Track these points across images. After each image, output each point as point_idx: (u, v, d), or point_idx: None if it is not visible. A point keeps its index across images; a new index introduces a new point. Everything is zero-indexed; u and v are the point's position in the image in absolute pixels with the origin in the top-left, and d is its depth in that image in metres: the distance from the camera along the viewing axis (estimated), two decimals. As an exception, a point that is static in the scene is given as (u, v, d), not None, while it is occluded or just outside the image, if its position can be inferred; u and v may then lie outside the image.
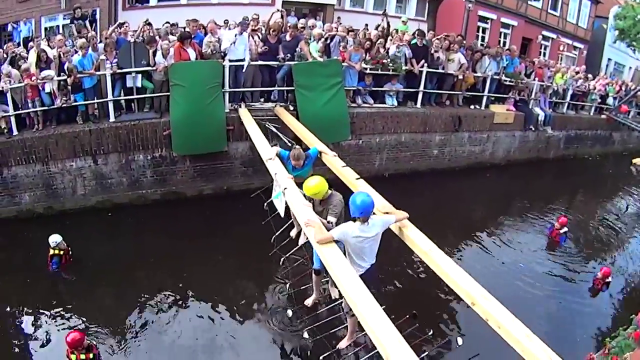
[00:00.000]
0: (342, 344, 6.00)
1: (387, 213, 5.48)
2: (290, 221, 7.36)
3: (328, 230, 5.09)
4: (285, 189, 6.05)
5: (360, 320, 4.15)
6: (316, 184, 5.53)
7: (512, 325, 4.01)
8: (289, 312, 6.65)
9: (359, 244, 4.96)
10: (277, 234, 7.31)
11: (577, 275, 8.69)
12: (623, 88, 18.15)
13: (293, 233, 7.58)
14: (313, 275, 6.55)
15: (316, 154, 6.93)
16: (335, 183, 6.01)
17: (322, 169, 7.07)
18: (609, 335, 5.99)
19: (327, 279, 6.87)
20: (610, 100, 17.18)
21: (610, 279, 8.10)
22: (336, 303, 6.49)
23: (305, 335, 6.17)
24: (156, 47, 9.39)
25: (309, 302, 6.80)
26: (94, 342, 5.77)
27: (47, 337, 6.20)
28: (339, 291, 6.77)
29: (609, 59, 25.71)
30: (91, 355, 5.46)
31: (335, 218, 5.48)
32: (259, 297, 7.18)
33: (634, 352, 2.69)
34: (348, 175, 6.80)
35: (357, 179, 6.62)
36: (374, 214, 5.04)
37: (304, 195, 5.80)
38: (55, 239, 7.36)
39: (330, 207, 5.57)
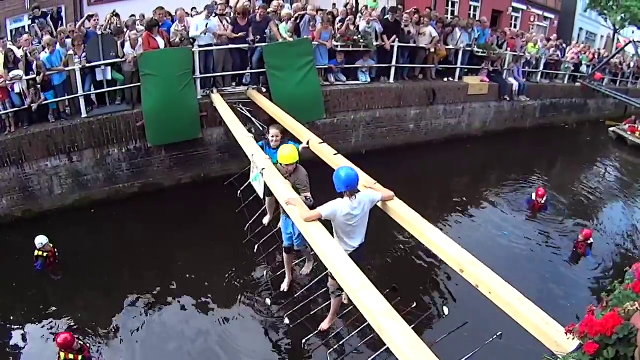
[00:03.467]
0: (324, 325, 5.93)
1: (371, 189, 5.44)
2: (263, 208, 7.41)
3: (309, 207, 5.05)
4: (263, 169, 6.00)
5: (350, 296, 4.10)
6: (291, 151, 5.61)
7: (504, 289, 3.99)
8: (268, 301, 6.60)
9: (348, 223, 4.89)
10: (250, 222, 7.35)
11: (560, 240, 8.77)
12: (596, 56, 18.37)
13: (266, 220, 7.59)
14: (284, 254, 6.53)
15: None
16: (313, 161, 5.97)
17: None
18: (599, 294, 6.12)
19: (302, 258, 6.94)
20: (584, 69, 17.36)
21: (591, 240, 8.15)
22: (311, 283, 6.43)
23: (287, 321, 6.12)
24: (124, 38, 9.24)
25: (284, 286, 6.77)
26: (86, 344, 5.69)
27: (37, 340, 6.10)
28: (312, 267, 6.86)
29: (581, 29, 25.92)
30: (80, 357, 5.38)
31: (309, 193, 5.48)
32: (241, 285, 7.11)
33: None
34: (326, 152, 6.76)
35: (335, 154, 6.59)
36: (358, 191, 4.99)
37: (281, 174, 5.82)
38: (41, 240, 7.24)
39: (298, 183, 5.58)
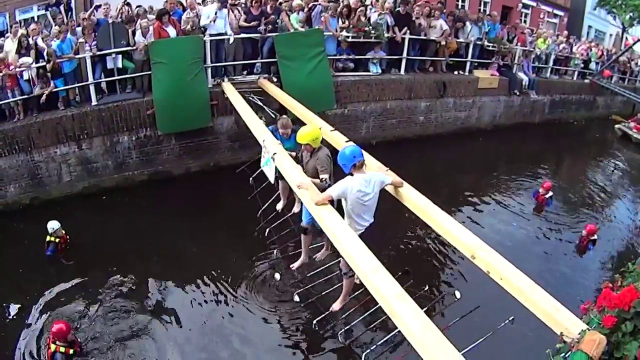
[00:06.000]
0: (336, 306, 5.87)
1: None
2: (277, 194, 7.40)
3: (323, 190, 5.01)
4: (274, 154, 5.98)
5: (362, 279, 4.07)
6: (312, 129, 5.63)
7: (515, 276, 3.97)
8: (277, 276, 6.63)
9: (359, 201, 4.86)
10: (263, 207, 7.31)
11: (565, 234, 8.82)
12: (605, 53, 18.29)
13: (279, 206, 7.56)
14: (302, 235, 6.45)
15: None
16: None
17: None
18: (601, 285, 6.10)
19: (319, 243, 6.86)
20: (592, 65, 17.29)
21: (595, 236, 8.20)
22: (325, 266, 6.48)
23: (296, 298, 6.15)
24: (135, 27, 9.24)
25: (296, 265, 6.70)
26: (78, 338, 5.67)
27: (41, 325, 6.10)
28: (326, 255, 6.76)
29: (589, 27, 25.79)
30: (71, 351, 5.37)
31: (327, 175, 5.42)
32: (251, 270, 7.14)
33: None
34: (337, 139, 6.71)
35: (347, 141, 6.56)
36: (365, 166, 5.00)
37: (294, 159, 5.83)
38: (52, 225, 7.25)
39: (318, 163, 5.51)
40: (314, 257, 6.73)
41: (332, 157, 5.53)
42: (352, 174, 4.88)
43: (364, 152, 5.72)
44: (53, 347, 5.29)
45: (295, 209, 7.31)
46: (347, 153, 4.83)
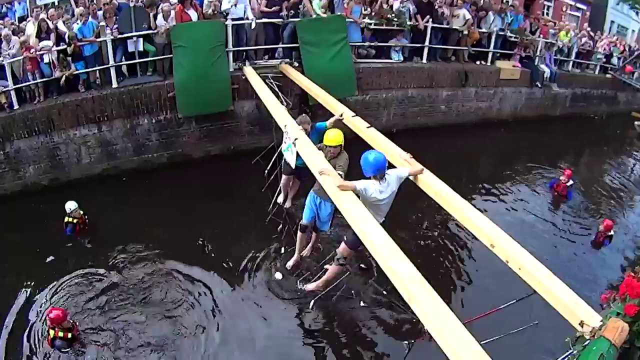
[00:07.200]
0: (309, 287, 6.12)
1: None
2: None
3: None
4: (296, 139, 5.96)
5: (381, 264, 4.05)
6: (337, 133, 5.71)
7: (534, 266, 3.96)
8: (278, 275, 6.68)
9: (375, 203, 4.95)
10: (273, 200, 7.53)
11: (581, 229, 8.82)
12: (627, 49, 17.99)
13: (280, 199, 7.74)
14: (299, 232, 6.50)
15: (323, 127, 6.64)
16: (345, 135, 5.94)
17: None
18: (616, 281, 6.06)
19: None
20: (614, 60, 17.02)
21: (612, 232, 8.18)
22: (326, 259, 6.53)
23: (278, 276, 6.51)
24: (157, 10, 9.21)
25: (290, 263, 6.76)
26: (76, 322, 5.69)
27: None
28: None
29: (612, 22, 25.36)
30: (69, 335, 5.41)
31: (344, 174, 5.48)
32: (268, 253, 7.19)
33: None
34: (359, 125, 6.69)
35: (368, 127, 6.53)
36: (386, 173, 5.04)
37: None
38: (70, 205, 7.33)
39: (338, 163, 5.58)
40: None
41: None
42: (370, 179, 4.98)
43: (386, 139, 5.74)
44: (52, 333, 5.35)
45: (287, 205, 7.64)
46: (371, 161, 4.91)
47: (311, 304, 6.01)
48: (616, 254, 8.15)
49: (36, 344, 5.59)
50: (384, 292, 6.17)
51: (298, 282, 6.34)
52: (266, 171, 7.53)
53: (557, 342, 3.59)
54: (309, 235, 6.59)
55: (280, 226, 7.29)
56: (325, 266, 6.21)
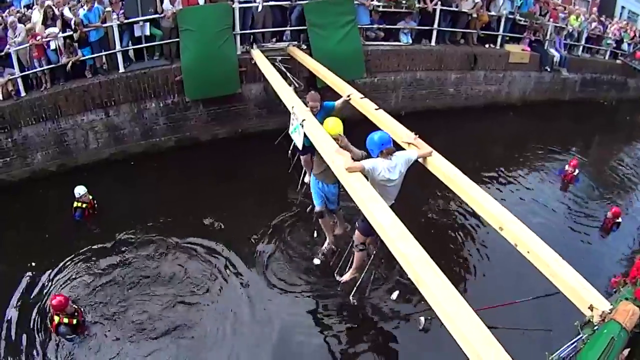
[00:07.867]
0: (344, 277, 6.00)
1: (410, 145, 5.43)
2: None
3: (358, 160, 5.02)
4: (303, 120, 5.91)
5: (389, 245, 4.03)
6: (336, 121, 5.60)
7: (542, 249, 3.94)
8: (316, 261, 6.67)
9: (384, 184, 4.89)
10: (300, 180, 7.53)
11: (589, 215, 8.76)
12: (637, 35, 17.77)
13: (307, 179, 7.56)
14: (319, 220, 6.47)
15: (331, 106, 6.47)
16: (352, 119, 5.97)
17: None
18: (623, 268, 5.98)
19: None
20: (625, 46, 16.82)
21: (620, 219, 8.17)
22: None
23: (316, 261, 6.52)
24: (163, -5, 9.15)
25: (324, 248, 6.73)
26: (81, 308, 5.70)
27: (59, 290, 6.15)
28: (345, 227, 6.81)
29: (623, 7, 25.02)
30: (74, 321, 5.41)
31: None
32: (277, 235, 7.20)
33: None
34: (367, 106, 6.63)
35: (377, 109, 6.46)
36: (394, 150, 5.00)
37: None
38: (79, 190, 7.36)
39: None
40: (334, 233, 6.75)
41: None
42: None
43: (395, 120, 5.68)
44: (57, 319, 5.36)
45: (306, 179, 7.50)
46: (376, 139, 4.91)
47: (351, 298, 5.89)
48: (624, 241, 8.10)
49: (40, 331, 5.61)
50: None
51: (335, 274, 6.23)
52: (289, 152, 7.49)
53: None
54: (329, 217, 6.54)
55: (310, 207, 7.15)
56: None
